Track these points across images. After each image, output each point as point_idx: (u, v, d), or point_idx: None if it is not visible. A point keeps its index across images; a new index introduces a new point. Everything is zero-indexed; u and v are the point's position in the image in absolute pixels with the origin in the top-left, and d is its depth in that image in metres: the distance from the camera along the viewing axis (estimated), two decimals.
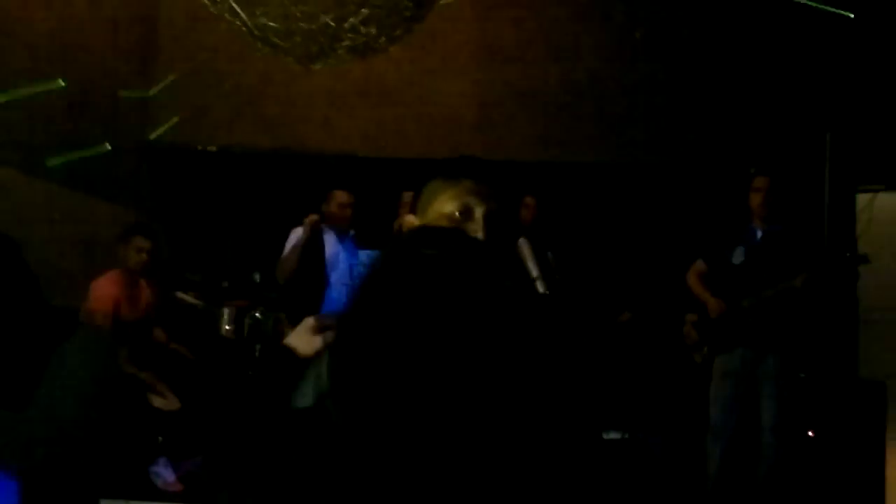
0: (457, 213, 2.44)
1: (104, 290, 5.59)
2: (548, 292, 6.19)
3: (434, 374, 1.91)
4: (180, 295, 6.08)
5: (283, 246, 5.97)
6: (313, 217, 5.89)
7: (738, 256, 5.48)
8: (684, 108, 7.12)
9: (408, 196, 6.28)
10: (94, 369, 4.94)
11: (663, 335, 6.09)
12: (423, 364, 1.91)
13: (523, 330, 2.10)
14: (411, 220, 2.61)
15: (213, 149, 7.35)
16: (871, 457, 5.63)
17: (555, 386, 2.24)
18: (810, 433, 5.62)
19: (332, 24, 5.78)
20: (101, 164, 6.81)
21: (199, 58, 7.37)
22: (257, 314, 5.85)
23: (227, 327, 5.93)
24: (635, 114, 7.21)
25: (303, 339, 2.32)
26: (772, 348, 5.29)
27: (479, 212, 2.45)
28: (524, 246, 5.27)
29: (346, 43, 6.20)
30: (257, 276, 6.14)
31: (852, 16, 6.53)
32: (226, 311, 5.96)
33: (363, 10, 5.75)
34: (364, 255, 5.71)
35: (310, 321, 2.25)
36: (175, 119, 7.22)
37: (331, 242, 5.99)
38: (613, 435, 5.85)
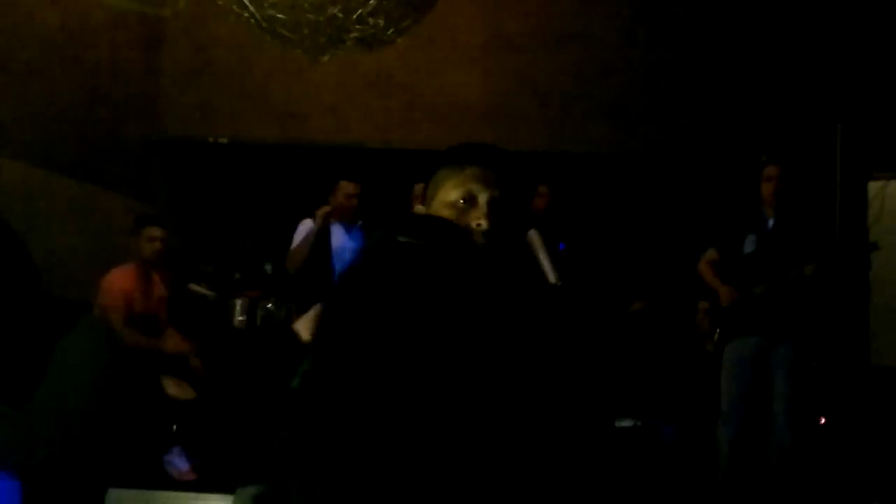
0: (461, 201, 2.42)
1: (117, 284, 5.59)
2: (558, 282, 6.18)
3: (406, 363, 1.91)
4: (193, 286, 6.09)
5: (292, 237, 5.97)
6: (325, 209, 5.90)
7: (749, 245, 5.48)
8: (695, 97, 7.10)
9: (419, 188, 6.26)
10: (95, 364, 4.98)
11: (676, 324, 6.09)
12: (396, 353, 1.91)
13: (507, 319, 2.10)
14: (420, 210, 2.60)
15: (223, 141, 7.35)
16: (883, 443, 5.63)
17: (545, 377, 2.24)
18: (822, 420, 5.62)
19: (340, 15, 5.78)
20: (111, 157, 6.83)
21: (207, 50, 7.38)
22: (269, 305, 5.87)
23: (239, 318, 5.95)
24: (645, 103, 7.19)
25: (306, 325, 2.35)
26: (783, 336, 5.29)
27: (482, 198, 2.42)
28: (534, 236, 5.28)
29: (354, 34, 6.20)
30: (269, 268, 6.16)
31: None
32: (238, 303, 5.97)
33: (371, 1, 5.75)
34: None
35: (317, 308, 2.28)
36: None
37: (338, 233, 6.00)
38: (626, 423, 5.85)
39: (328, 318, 1.97)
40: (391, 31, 6.13)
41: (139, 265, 5.69)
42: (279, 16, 5.79)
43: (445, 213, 2.46)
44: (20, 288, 5.49)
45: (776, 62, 6.93)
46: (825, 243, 5.33)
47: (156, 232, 5.65)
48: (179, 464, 5.17)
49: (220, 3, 5.49)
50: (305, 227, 5.93)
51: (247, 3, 5.51)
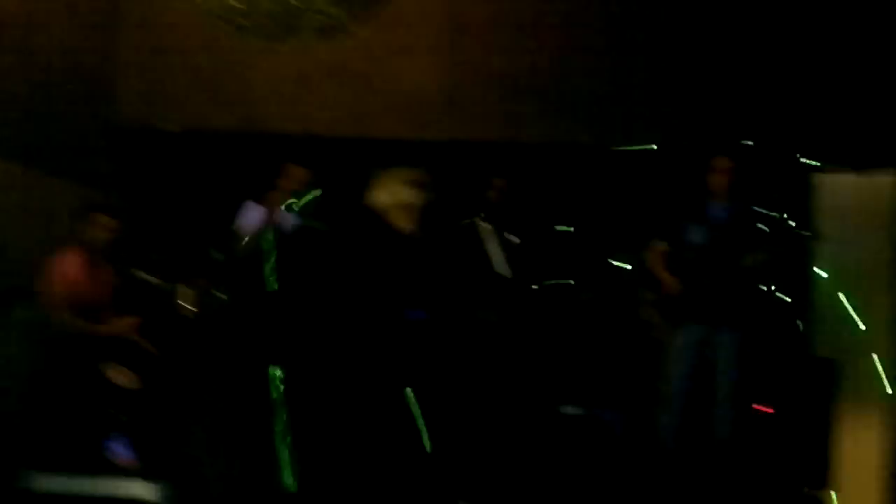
0: (387, 202, 2.50)
1: (63, 269, 5.56)
2: (508, 272, 6.26)
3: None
4: (140, 274, 6.09)
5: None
6: (276, 195, 5.89)
7: (697, 236, 5.57)
8: (648, 90, 7.17)
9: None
10: (29, 350, 4.99)
11: (622, 313, 6.18)
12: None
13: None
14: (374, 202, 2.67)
15: (177, 128, 7.33)
16: (819, 431, 5.75)
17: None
18: (763, 408, 5.73)
19: (297, 3, 5.80)
20: (62, 143, 6.79)
21: (162, 37, 7.35)
22: (217, 292, 5.87)
23: (186, 305, 5.95)
24: (600, 95, 7.25)
25: (188, 295, 2.43)
26: (727, 325, 5.39)
27: (408, 200, 2.50)
28: (485, 227, 5.38)
29: (311, 23, 6.22)
30: (217, 255, 6.15)
31: None
32: (185, 290, 5.98)
33: None
34: None
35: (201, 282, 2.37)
36: None
37: (287, 220, 5.99)
38: (572, 410, 5.94)
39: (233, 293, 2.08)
40: (348, 20, 6.15)
41: (86, 251, 5.65)
42: (235, 3, 5.80)
43: (383, 207, 2.52)
44: None
45: (727, 57, 7.01)
46: (771, 234, 5.43)
47: (105, 220, 5.64)
48: (121, 451, 5.18)
49: None
50: (250, 210, 5.90)
51: None
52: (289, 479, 3.84)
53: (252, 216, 5.84)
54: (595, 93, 7.24)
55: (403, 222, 2.52)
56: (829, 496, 5.68)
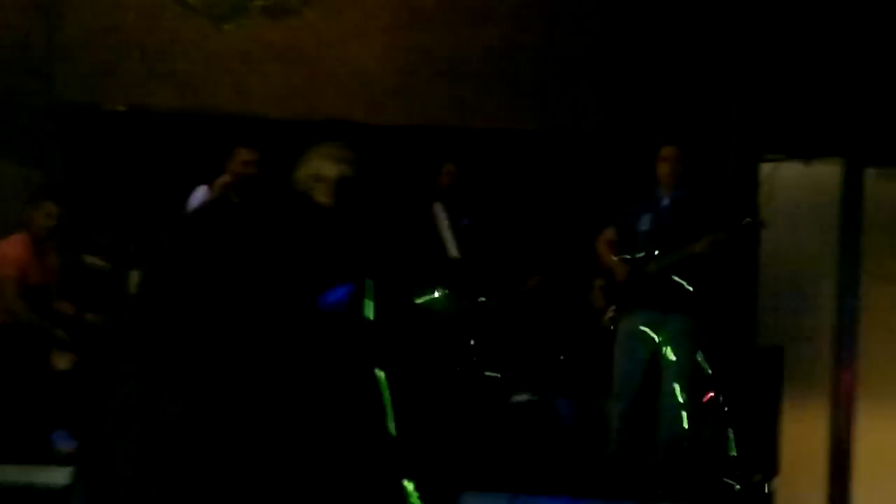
0: (309, 178, 2.50)
1: (11, 253, 5.52)
2: (458, 255, 6.25)
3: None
4: (87, 258, 6.00)
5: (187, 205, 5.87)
6: (225, 178, 5.83)
7: (644, 223, 5.62)
8: (596, 77, 7.20)
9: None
10: None
11: (572, 299, 6.21)
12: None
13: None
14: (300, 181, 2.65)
15: (122, 108, 7.21)
16: (766, 418, 5.84)
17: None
18: (710, 395, 5.80)
19: None
20: (5, 122, 6.65)
21: (107, 15, 7.21)
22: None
23: (134, 290, 5.86)
24: (550, 82, 7.26)
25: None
26: (674, 312, 5.44)
27: (329, 175, 2.50)
28: (439, 211, 5.38)
29: (259, 3, 6.14)
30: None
31: None
32: (134, 274, 5.89)
33: None
34: None
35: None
36: None
37: (198, 198, 5.91)
38: (522, 397, 5.96)
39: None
40: (296, 0, 6.09)
41: (32, 235, 5.61)
42: None
43: (304, 186, 2.52)
44: None
45: (673, 46, 7.06)
46: (716, 221, 5.48)
47: (52, 208, 5.64)
48: (66, 440, 5.12)
49: None
50: (201, 194, 5.84)
51: None
52: None
53: (199, 200, 5.78)
54: (541, 80, 7.25)
55: (322, 196, 2.50)
56: (776, 483, 5.78)
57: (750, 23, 6.88)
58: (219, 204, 4.84)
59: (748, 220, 5.50)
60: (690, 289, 5.39)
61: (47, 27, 7.15)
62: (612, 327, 5.63)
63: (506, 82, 7.28)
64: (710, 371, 5.53)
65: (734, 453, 5.58)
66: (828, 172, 6.56)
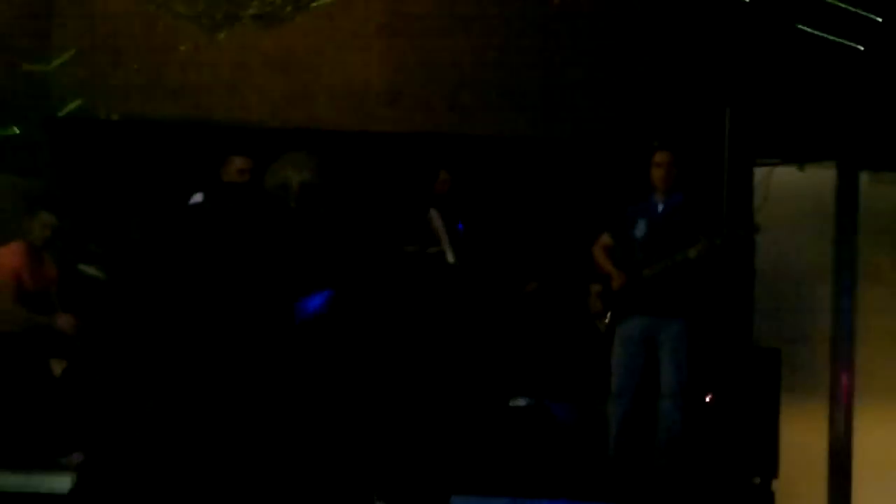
0: (276, 185, 2.57)
1: (6, 261, 5.52)
2: (455, 261, 6.24)
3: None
4: (82, 267, 5.99)
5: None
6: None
7: (640, 229, 5.63)
8: (591, 83, 7.21)
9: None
10: None
11: (569, 304, 6.21)
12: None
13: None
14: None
15: (116, 118, 7.20)
16: (765, 421, 5.84)
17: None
18: (708, 398, 5.80)
19: None
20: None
21: (100, 25, 7.20)
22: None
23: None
24: (544, 88, 7.28)
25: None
26: (671, 316, 5.45)
27: (294, 182, 2.57)
28: (435, 217, 5.39)
29: (251, 11, 6.15)
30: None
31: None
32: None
33: None
34: None
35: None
36: (77, 102, 7.04)
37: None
38: (520, 401, 5.95)
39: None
40: (289, 8, 6.09)
41: (28, 245, 5.62)
42: None
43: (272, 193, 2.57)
44: None
45: (667, 51, 7.08)
46: (711, 226, 5.49)
47: (49, 219, 5.64)
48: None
49: None
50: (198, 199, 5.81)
51: None
52: None
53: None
54: (534, 86, 7.26)
55: (288, 202, 2.55)
56: (776, 485, 5.77)
57: (743, 28, 6.91)
58: (189, 210, 4.85)
59: (741, 230, 5.52)
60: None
61: (40, 38, 7.14)
62: (608, 332, 5.63)
63: (500, 89, 7.29)
64: (707, 374, 5.53)
65: (733, 456, 5.58)
66: (822, 176, 6.59)
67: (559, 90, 7.26)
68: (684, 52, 7.05)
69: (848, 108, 6.60)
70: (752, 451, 5.77)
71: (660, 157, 5.64)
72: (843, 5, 6.60)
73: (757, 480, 5.73)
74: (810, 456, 6.19)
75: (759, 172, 6.76)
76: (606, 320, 5.66)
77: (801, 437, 6.11)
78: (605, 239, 5.77)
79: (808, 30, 6.66)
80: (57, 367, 5.29)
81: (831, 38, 6.67)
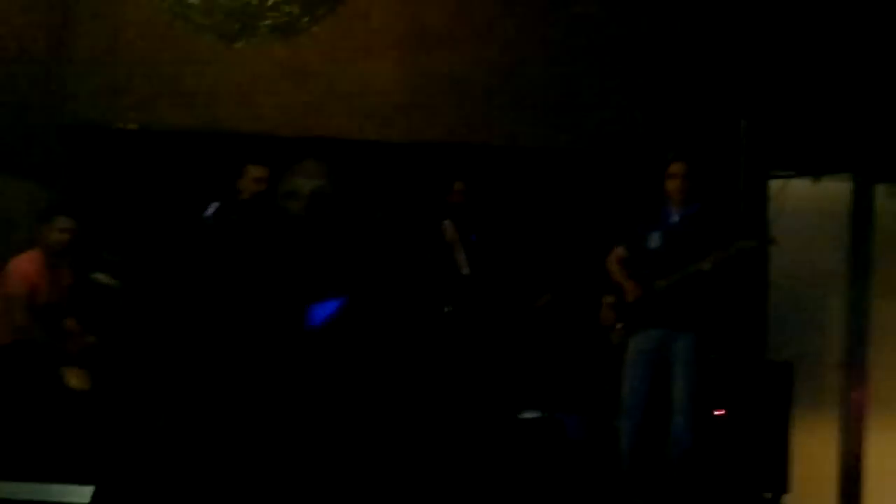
0: (285, 194, 2.58)
1: (22, 270, 5.50)
2: (468, 271, 6.24)
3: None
4: (96, 276, 6.01)
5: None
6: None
7: (654, 241, 5.61)
8: (605, 94, 7.21)
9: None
10: None
11: (581, 316, 6.20)
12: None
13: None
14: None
15: (133, 127, 7.24)
16: (777, 435, 5.81)
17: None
18: (720, 412, 5.78)
19: (254, 2, 5.76)
20: (16, 141, 6.69)
21: (117, 34, 7.25)
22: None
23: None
24: (557, 99, 7.28)
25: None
26: (684, 329, 5.43)
27: (304, 190, 2.58)
28: (449, 227, 5.39)
29: (268, 21, 6.17)
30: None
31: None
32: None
33: None
34: None
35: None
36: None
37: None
38: (531, 414, 5.95)
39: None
40: (306, 19, 6.11)
41: (45, 253, 5.61)
42: (192, 1, 5.74)
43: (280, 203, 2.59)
44: None
45: (682, 62, 7.07)
46: (726, 239, 5.47)
47: (66, 223, 5.61)
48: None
49: None
50: (213, 210, 5.84)
51: None
52: None
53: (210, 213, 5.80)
54: (551, 98, 7.26)
55: (296, 210, 2.57)
56: (787, 500, 5.75)
57: (759, 39, 6.89)
58: (200, 223, 4.89)
59: (756, 241, 5.48)
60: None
61: (58, 48, 7.20)
62: (620, 344, 5.62)
63: (514, 99, 7.30)
64: (719, 388, 5.51)
65: (744, 470, 5.55)
66: (837, 189, 6.55)
67: (574, 101, 7.26)
68: (700, 64, 7.04)
69: (863, 121, 6.57)
70: (763, 466, 5.74)
71: (675, 168, 5.62)
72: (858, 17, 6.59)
73: (768, 495, 5.71)
74: (822, 471, 6.15)
75: (774, 185, 6.74)
76: (619, 332, 5.64)
77: (813, 452, 6.08)
78: (620, 251, 5.75)
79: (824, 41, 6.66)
80: (69, 377, 5.29)
81: (846, 49, 6.65)
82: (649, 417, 5.44)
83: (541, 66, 7.29)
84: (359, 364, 2.62)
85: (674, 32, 7.11)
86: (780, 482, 5.75)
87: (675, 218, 5.61)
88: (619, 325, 5.62)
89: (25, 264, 5.53)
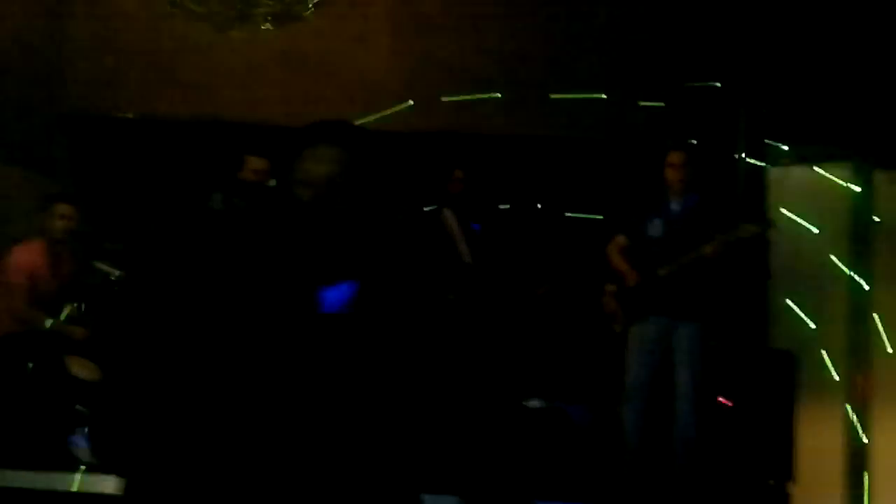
0: (297, 180, 2.56)
1: (23, 260, 5.48)
2: (470, 261, 6.20)
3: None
4: (98, 264, 5.98)
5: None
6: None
7: (655, 229, 5.61)
8: (604, 82, 7.19)
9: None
10: None
11: (584, 305, 6.20)
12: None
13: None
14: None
15: (130, 115, 7.21)
16: (781, 423, 5.82)
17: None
18: (723, 400, 5.79)
19: None
20: (15, 131, 6.65)
21: (114, 23, 7.21)
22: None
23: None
24: (556, 87, 7.26)
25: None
26: (686, 317, 5.43)
27: (315, 177, 2.55)
28: (449, 216, 5.34)
29: (263, 9, 6.14)
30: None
31: None
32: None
33: None
34: None
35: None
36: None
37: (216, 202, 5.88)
38: (535, 403, 5.94)
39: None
40: (300, 6, 6.08)
41: (47, 242, 5.58)
42: None
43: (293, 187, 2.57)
44: None
45: (682, 49, 7.06)
46: (727, 227, 5.47)
47: (66, 210, 5.58)
48: (83, 445, 5.10)
49: None
50: (218, 200, 5.82)
51: None
52: None
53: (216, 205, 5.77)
54: (548, 85, 7.24)
55: (308, 196, 2.55)
56: (792, 488, 5.76)
57: (757, 26, 6.88)
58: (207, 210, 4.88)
59: (755, 227, 5.46)
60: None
61: (55, 37, 7.15)
62: (623, 333, 5.61)
63: (512, 87, 7.27)
64: (722, 376, 5.51)
65: (748, 458, 5.56)
66: (838, 176, 6.55)
67: (571, 89, 7.23)
68: (699, 52, 7.03)
69: (863, 108, 6.57)
70: (767, 454, 5.75)
71: (674, 157, 5.61)
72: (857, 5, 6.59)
73: (772, 483, 5.72)
74: (826, 458, 6.16)
75: (774, 172, 6.73)
76: (621, 321, 5.64)
77: (817, 440, 6.08)
78: (621, 239, 5.75)
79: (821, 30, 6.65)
80: (72, 365, 5.27)
81: (845, 36, 6.65)
82: (653, 406, 5.44)
83: (539, 55, 7.27)
84: (372, 349, 2.60)
85: (672, 20, 7.09)
86: (784, 470, 5.76)
87: (676, 206, 5.61)
88: (621, 317, 5.62)
89: (26, 253, 5.51)
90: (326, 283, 2.45)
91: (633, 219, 5.70)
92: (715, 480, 5.45)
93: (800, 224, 6.40)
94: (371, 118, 6.98)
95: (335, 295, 2.51)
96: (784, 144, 6.72)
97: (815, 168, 6.58)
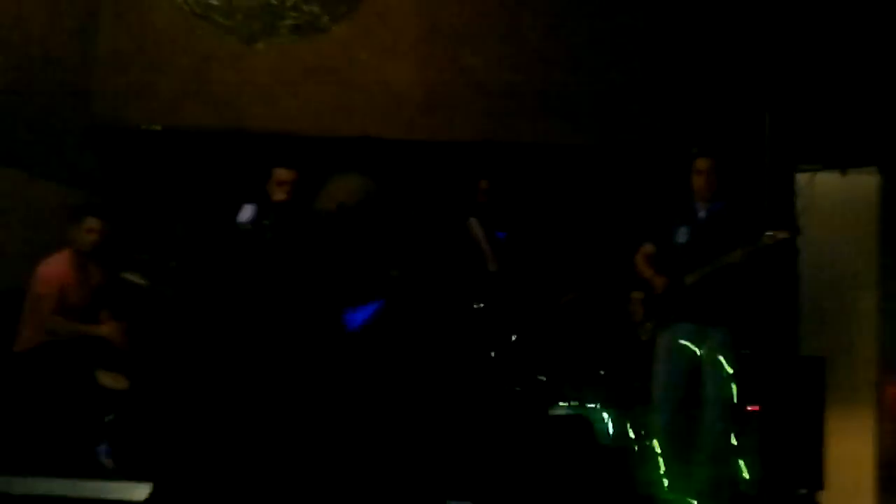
0: (322, 207, 2.60)
1: (52, 272, 5.51)
2: (496, 270, 6.21)
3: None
4: (126, 275, 6.01)
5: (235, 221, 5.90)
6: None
7: (682, 236, 5.57)
8: (629, 90, 7.19)
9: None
10: None
11: (610, 312, 6.18)
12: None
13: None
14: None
15: (158, 128, 7.27)
16: (811, 431, 5.77)
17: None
18: (752, 407, 5.74)
19: (275, 2, 5.77)
20: (44, 143, 6.71)
21: (142, 36, 7.28)
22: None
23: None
24: (582, 96, 7.26)
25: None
26: (714, 323, 5.39)
27: (342, 205, 2.59)
28: (475, 226, 5.37)
29: (288, 21, 6.18)
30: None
31: None
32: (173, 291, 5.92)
33: None
34: None
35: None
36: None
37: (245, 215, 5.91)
38: (561, 410, 5.93)
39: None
40: (326, 18, 6.11)
41: (75, 254, 5.61)
42: (213, 2, 5.76)
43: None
44: None
45: (706, 57, 7.04)
46: (754, 233, 5.43)
47: (94, 223, 5.60)
48: (109, 454, 5.14)
49: None
50: (248, 212, 5.86)
51: None
52: None
53: (247, 217, 5.82)
54: (573, 94, 7.24)
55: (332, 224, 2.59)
56: (822, 496, 5.71)
57: (783, 33, 6.86)
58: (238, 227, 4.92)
59: (784, 233, 5.42)
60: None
61: (84, 50, 7.23)
62: (650, 340, 5.59)
63: (538, 97, 7.28)
64: (752, 383, 5.47)
65: (778, 466, 5.51)
66: (865, 181, 6.51)
67: (598, 98, 7.23)
68: (724, 59, 7.01)
69: (889, 112, 6.52)
70: (797, 462, 5.70)
71: (700, 163, 5.59)
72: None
73: (803, 491, 5.66)
74: (858, 467, 6.10)
75: (801, 178, 6.70)
76: (649, 328, 5.61)
77: (848, 448, 6.02)
78: (648, 248, 5.72)
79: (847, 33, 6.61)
80: (102, 376, 5.30)
81: (871, 42, 6.61)
82: (680, 413, 5.41)
83: (565, 64, 7.27)
84: (397, 366, 2.61)
85: (698, 27, 7.08)
86: (815, 478, 5.70)
87: (703, 213, 5.58)
88: (648, 324, 5.59)
89: (55, 265, 5.54)
90: (352, 304, 2.47)
91: (660, 226, 5.68)
92: (745, 489, 5.40)
93: (827, 229, 6.36)
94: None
95: (360, 315, 2.52)
96: (811, 150, 6.69)
97: (842, 173, 6.54)
